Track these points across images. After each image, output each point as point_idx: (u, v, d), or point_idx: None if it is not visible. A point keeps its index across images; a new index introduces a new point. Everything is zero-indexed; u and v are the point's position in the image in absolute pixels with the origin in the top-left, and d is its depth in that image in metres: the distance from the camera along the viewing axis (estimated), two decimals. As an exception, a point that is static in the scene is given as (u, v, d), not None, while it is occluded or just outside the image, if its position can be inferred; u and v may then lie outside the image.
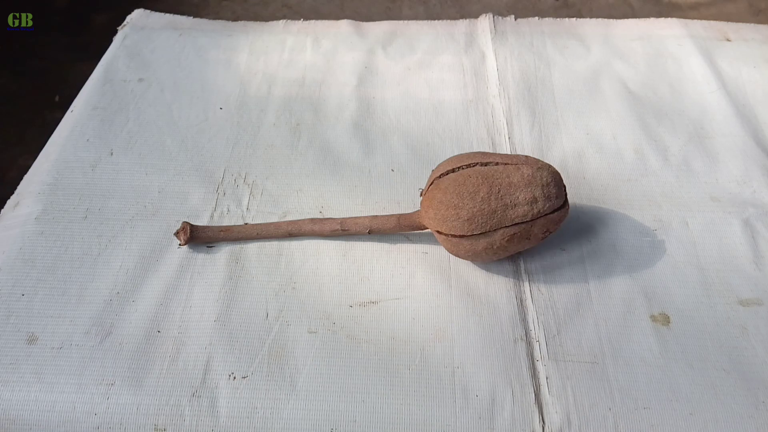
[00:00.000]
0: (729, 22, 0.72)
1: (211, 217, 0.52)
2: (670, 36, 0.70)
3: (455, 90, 0.65)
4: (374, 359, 0.43)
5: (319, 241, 0.50)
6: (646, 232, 0.51)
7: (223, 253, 0.49)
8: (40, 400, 0.41)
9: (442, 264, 0.49)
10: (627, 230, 0.51)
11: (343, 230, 0.49)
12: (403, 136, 0.60)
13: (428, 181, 0.47)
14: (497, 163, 0.44)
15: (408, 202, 0.54)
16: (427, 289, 0.47)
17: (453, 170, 0.44)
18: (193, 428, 0.40)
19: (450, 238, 0.44)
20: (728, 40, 0.69)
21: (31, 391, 0.42)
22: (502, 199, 0.42)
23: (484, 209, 0.42)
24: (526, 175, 0.43)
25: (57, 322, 0.45)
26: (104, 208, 0.53)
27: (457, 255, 0.46)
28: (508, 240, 0.43)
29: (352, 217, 0.49)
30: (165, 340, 0.44)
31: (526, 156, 0.45)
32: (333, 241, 0.50)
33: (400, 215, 0.48)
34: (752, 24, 0.73)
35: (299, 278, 0.48)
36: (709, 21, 0.72)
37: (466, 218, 0.42)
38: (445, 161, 0.46)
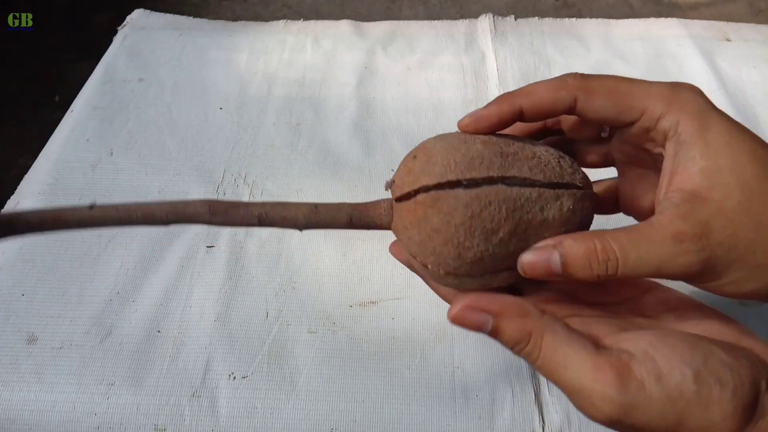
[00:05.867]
0: (729, 22, 0.72)
1: (211, 217, 0.52)
2: (670, 36, 0.70)
3: (455, 90, 0.65)
4: (374, 359, 0.43)
5: (319, 241, 0.50)
6: (646, 232, 0.51)
7: (223, 253, 0.49)
8: (40, 400, 0.41)
9: (442, 264, 0.49)
10: (627, 230, 0.51)
11: (260, 223, 0.29)
12: (403, 136, 0.60)
13: (406, 174, 0.29)
14: (527, 180, 0.28)
15: (408, 202, 0.54)
16: (427, 289, 0.47)
17: (460, 183, 0.27)
18: (193, 428, 0.40)
19: (431, 270, 0.29)
20: (728, 40, 0.69)
21: (31, 391, 0.42)
22: (526, 242, 0.28)
23: (498, 253, 0.28)
24: (565, 210, 0.29)
25: (57, 322, 0.45)
26: (104, 208, 0.53)
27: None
28: (507, 281, 0.30)
29: (277, 203, 0.29)
30: (165, 340, 0.44)
31: (558, 160, 0.30)
32: (333, 241, 0.50)
33: (354, 208, 0.30)
34: (752, 24, 0.73)
35: (299, 278, 0.48)
36: (709, 21, 0.72)
37: (470, 261, 0.28)
38: (436, 147, 0.29)
